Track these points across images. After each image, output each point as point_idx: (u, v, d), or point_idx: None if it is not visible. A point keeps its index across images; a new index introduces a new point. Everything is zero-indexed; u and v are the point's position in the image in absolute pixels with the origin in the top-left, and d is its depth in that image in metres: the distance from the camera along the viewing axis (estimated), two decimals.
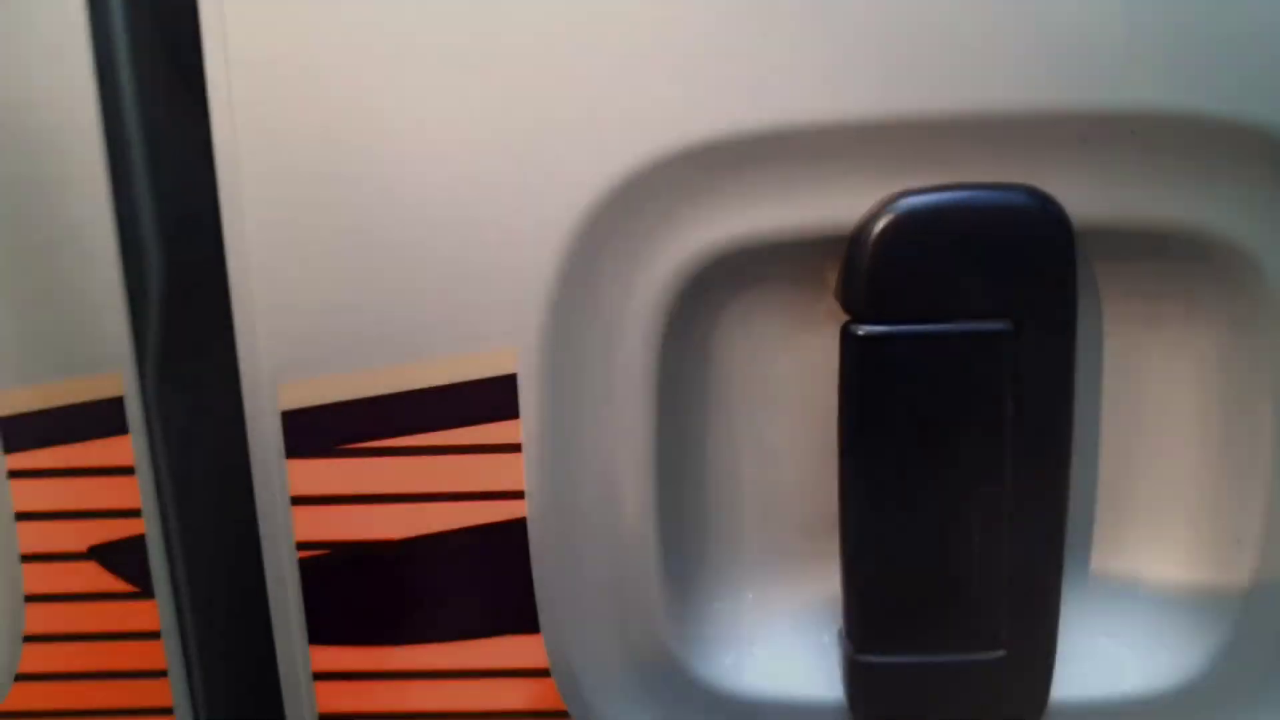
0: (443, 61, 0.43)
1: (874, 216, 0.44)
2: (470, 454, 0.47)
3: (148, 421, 0.50)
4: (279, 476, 0.47)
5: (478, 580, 0.48)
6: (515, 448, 0.46)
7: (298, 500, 0.47)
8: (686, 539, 0.50)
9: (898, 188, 0.44)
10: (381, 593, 0.48)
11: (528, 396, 0.46)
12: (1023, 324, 0.45)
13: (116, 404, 0.48)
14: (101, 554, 0.50)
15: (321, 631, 0.49)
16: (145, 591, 0.51)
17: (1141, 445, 0.48)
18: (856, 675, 0.49)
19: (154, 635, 0.52)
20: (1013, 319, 0.44)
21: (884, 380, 0.45)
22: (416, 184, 0.44)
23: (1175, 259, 0.45)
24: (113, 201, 0.48)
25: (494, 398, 0.46)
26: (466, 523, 0.47)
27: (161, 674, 0.52)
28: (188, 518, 0.54)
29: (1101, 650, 0.49)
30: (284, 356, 0.46)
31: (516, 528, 0.47)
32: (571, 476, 0.47)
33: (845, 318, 0.46)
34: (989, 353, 0.45)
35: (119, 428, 0.49)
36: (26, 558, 0.50)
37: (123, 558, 0.50)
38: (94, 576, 0.50)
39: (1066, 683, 0.49)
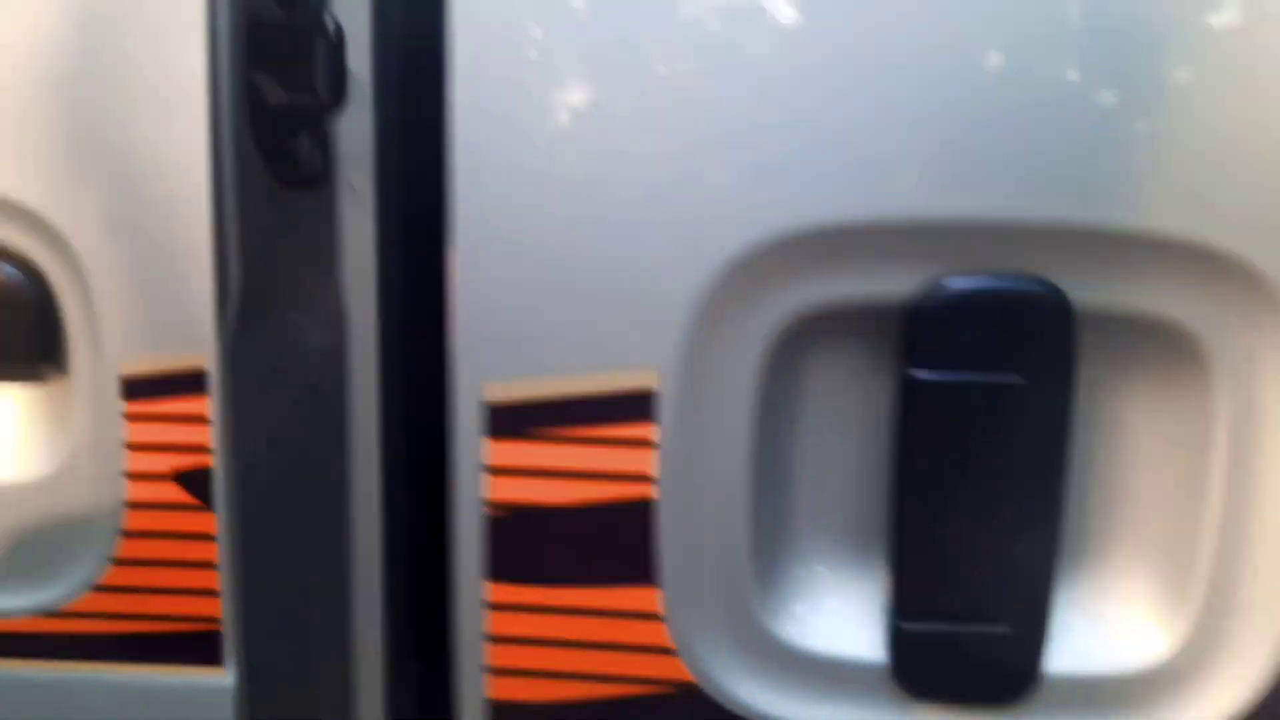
0: (639, 124, 0.61)
1: (928, 292, 0.61)
2: (618, 446, 0.64)
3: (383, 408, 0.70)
4: (476, 451, 0.64)
5: (615, 542, 0.65)
6: (652, 443, 0.63)
7: (489, 469, 0.65)
8: (774, 523, 0.66)
9: (945, 270, 0.61)
10: (546, 544, 0.65)
11: (663, 406, 0.63)
12: (1033, 377, 0.61)
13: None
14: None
15: (497, 571, 0.66)
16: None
17: (1119, 473, 0.64)
18: (898, 637, 0.64)
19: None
20: (1025, 373, 0.61)
21: (928, 411, 0.62)
22: (600, 238, 0.62)
23: (1148, 335, 0.61)
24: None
25: (638, 405, 0.63)
26: (611, 498, 0.64)
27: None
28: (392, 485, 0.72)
29: (1081, 628, 0.64)
30: (488, 361, 0.64)
31: (648, 505, 0.64)
32: (690, 469, 0.64)
33: (902, 364, 0.62)
34: (1007, 397, 0.61)
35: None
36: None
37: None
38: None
39: (1055, 657, 0.64)
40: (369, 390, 0.74)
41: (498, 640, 0.67)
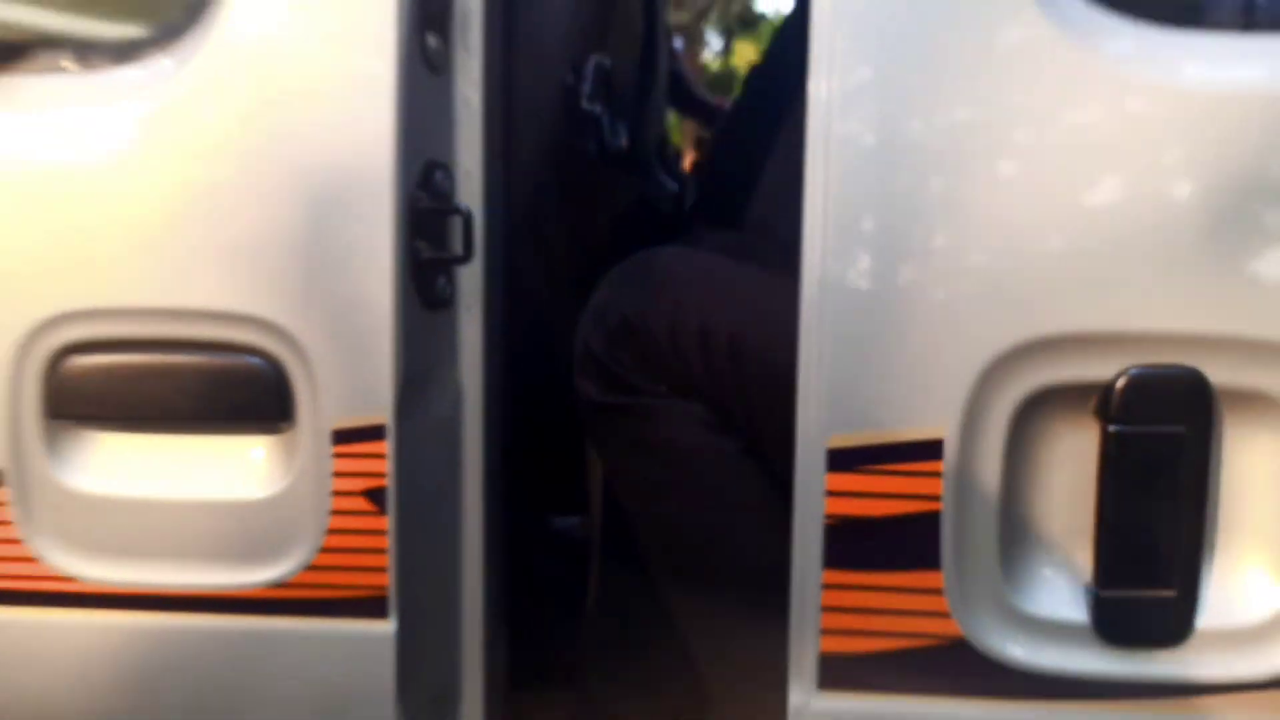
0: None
1: (1118, 377, 0.94)
2: (919, 477, 0.96)
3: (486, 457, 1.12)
4: (820, 481, 0.97)
5: (913, 541, 0.97)
6: (940, 475, 0.96)
7: (828, 493, 0.97)
8: (1016, 528, 0.99)
9: (1132, 361, 0.94)
10: (866, 542, 0.97)
11: (947, 450, 0.96)
12: (1190, 428, 0.94)
13: None
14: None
15: (829, 561, 0.98)
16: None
17: (1247, 485, 0.98)
18: (1097, 602, 0.97)
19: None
20: (1186, 424, 0.94)
21: (1121, 454, 0.95)
22: (927, 315, 0.95)
23: (1265, 402, 0.95)
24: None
25: (933, 449, 0.96)
26: (911, 511, 0.96)
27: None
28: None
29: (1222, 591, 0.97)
30: (831, 417, 0.96)
31: (936, 516, 0.96)
32: (961, 494, 0.97)
33: (1103, 419, 0.95)
34: (1174, 442, 0.95)
35: None
36: None
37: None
38: None
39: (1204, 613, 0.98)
40: (476, 443, 1.19)
41: (829, 610, 0.99)
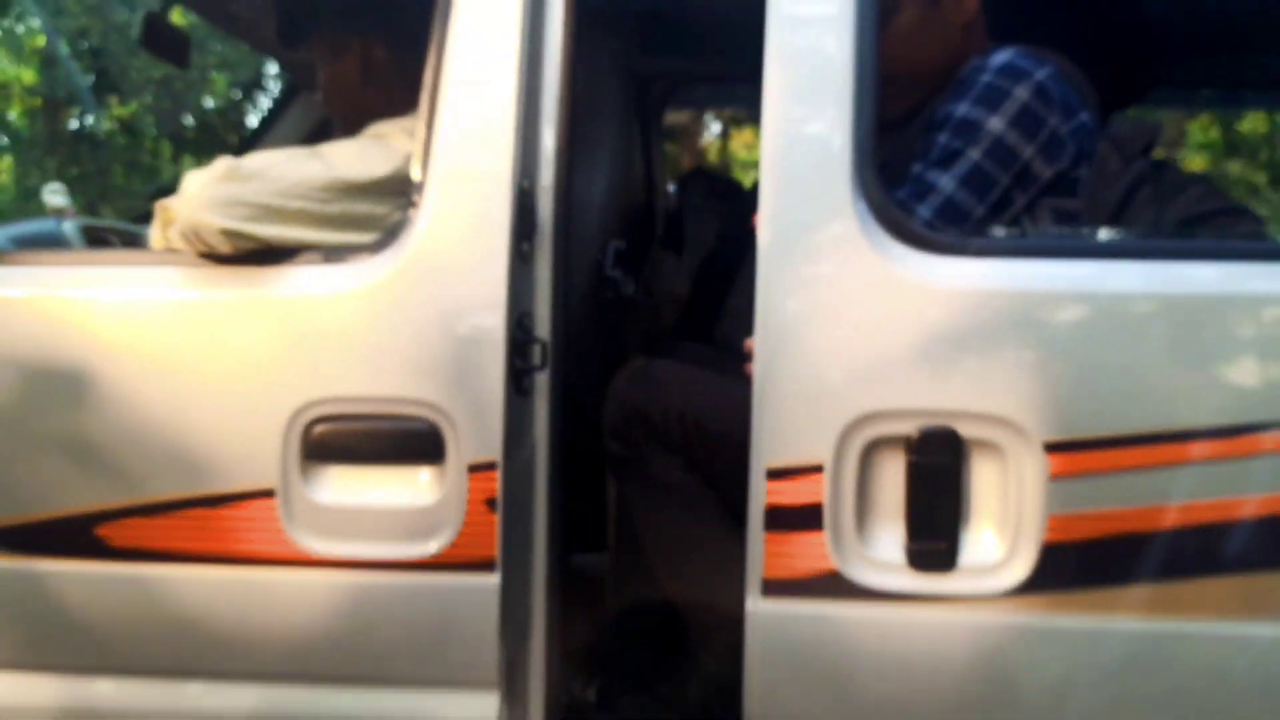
0: None
1: (915, 431, 1.73)
2: (809, 486, 1.74)
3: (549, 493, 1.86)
4: (764, 487, 1.75)
5: (809, 517, 1.75)
6: (821, 484, 1.75)
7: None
8: (867, 513, 1.77)
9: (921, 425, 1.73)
10: (790, 517, 1.75)
11: (826, 470, 1.74)
12: (951, 460, 1.73)
13: None
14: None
15: (769, 527, 1.76)
16: None
17: (981, 498, 1.75)
18: (908, 551, 1.74)
19: None
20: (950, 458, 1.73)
21: (916, 473, 1.73)
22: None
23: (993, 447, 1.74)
24: None
25: (818, 469, 1.74)
26: (812, 502, 1.75)
27: None
28: None
29: None
30: (769, 451, 1.76)
31: (819, 507, 1.74)
32: (832, 493, 1.75)
33: (908, 455, 1.74)
34: (943, 466, 1.73)
35: None
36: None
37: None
38: None
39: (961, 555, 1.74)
40: (544, 478, 1.92)
41: (769, 553, 1.76)
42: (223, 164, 1.78)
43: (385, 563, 1.83)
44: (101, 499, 1.85)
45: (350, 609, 1.84)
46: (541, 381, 1.90)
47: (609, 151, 2.62)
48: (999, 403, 1.67)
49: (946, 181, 1.85)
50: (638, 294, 2.59)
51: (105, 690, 1.91)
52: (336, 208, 1.85)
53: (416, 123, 1.83)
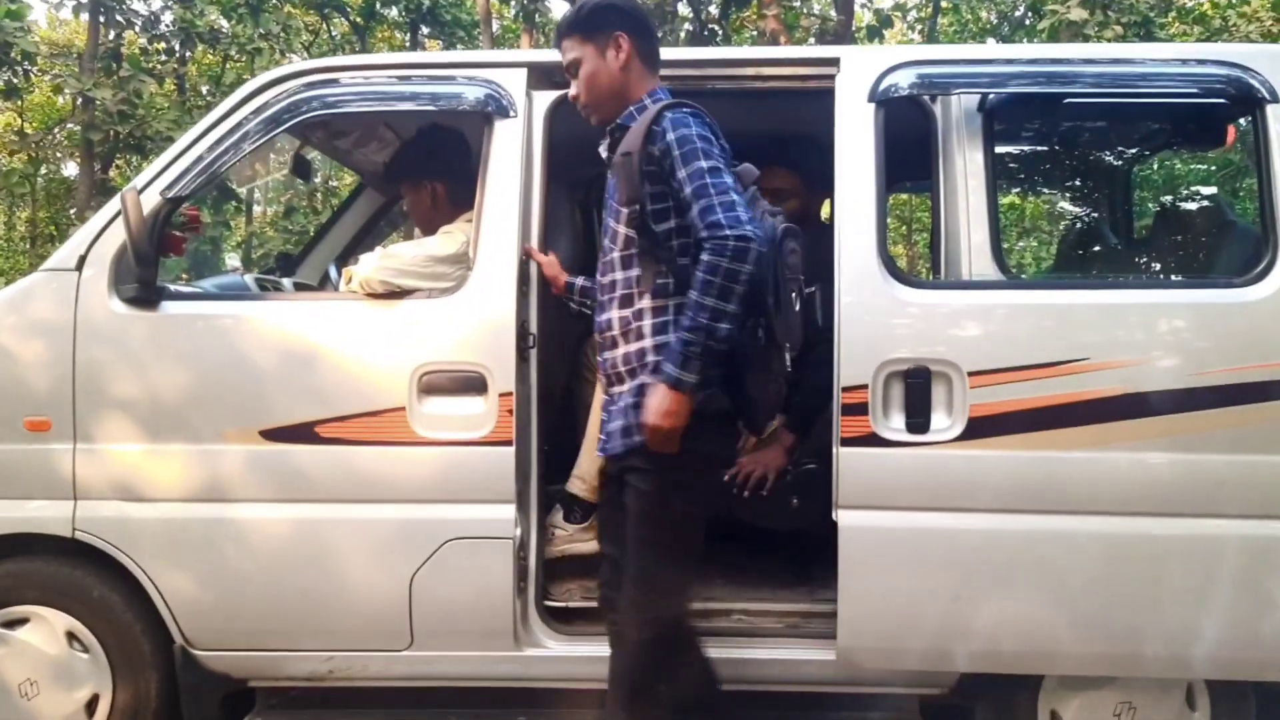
0: None
1: None
2: None
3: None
4: None
5: None
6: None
7: None
8: None
9: None
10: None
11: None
12: None
13: None
14: None
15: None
16: None
17: None
18: None
19: None
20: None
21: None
22: None
23: None
24: None
25: None
26: None
27: None
28: None
29: None
30: None
31: None
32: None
33: None
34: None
35: None
36: None
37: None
38: None
39: None
40: (535, 406, 3.97)
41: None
42: (379, 249, 3.73)
43: (458, 442, 3.47)
44: (317, 414, 3.58)
45: (444, 467, 3.70)
46: (533, 355, 3.78)
47: (566, 231, 4.64)
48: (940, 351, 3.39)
49: None
50: (583, 307, 4.35)
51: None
52: (430, 269, 3.74)
53: (470, 225, 3.76)
